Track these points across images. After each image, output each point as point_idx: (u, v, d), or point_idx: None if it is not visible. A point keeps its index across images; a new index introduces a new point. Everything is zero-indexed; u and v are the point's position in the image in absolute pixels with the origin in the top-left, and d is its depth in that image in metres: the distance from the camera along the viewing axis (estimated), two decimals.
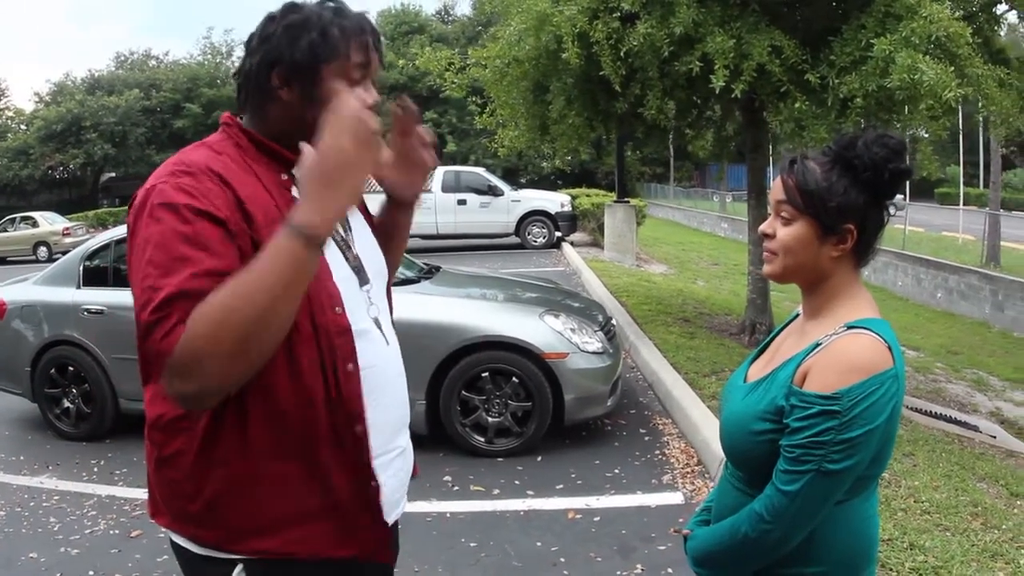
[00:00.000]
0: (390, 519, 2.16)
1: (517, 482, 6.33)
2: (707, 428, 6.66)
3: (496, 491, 6.18)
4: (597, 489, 6.15)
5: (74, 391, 7.72)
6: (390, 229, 2.41)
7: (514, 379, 6.77)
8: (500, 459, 6.78)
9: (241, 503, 1.96)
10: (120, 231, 7.99)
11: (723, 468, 2.27)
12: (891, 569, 4.34)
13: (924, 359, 13.35)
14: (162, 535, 2.18)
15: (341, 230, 2.13)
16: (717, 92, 8.42)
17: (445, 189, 24.65)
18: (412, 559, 4.94)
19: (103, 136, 55.34)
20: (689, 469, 6.42)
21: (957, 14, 7.88)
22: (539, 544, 5.28)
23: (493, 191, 24.77)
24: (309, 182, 1.75)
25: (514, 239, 24.75)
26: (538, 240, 24.47)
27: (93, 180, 61.87)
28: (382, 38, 2.11)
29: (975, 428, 8.75)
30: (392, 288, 2.42)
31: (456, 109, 50.31)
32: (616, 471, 6.49)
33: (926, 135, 9.72)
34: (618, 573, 4.88)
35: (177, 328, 1.69)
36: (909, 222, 23.90)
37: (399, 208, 2.43)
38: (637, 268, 19.51)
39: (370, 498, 2.07)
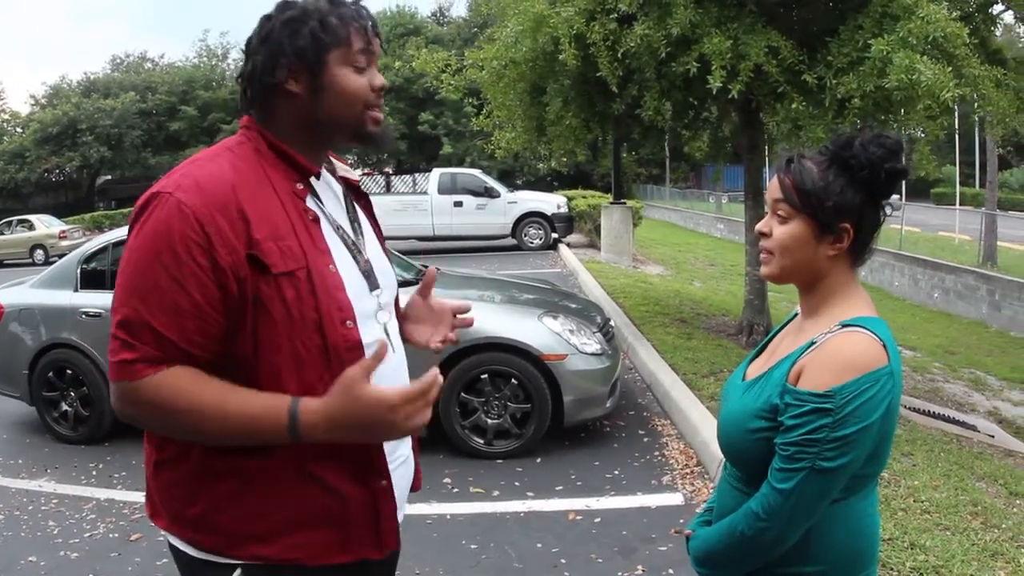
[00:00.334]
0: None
1: (517, 484, 6.33)
2: (706, 429, 6.66)
3: (496, 493, 6.18)
4: (597, 490, 6.15)
5: (72, 394, 7.70)
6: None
7: (513, 381, 6.76)
8: (499, 461, 6.78)
9: (242, 509, 1.95)
10: (117, 234, 8.01)
11: (723, 468, 2.28)
12: (892, 568, 4.34)
13: (921, 359, 13.37)
14: (161, 539, 2.18)
15: (352, 233, 2.13)
16: (714, 93, 8.43)
17: (441, 191, 24.68)
18: (413, 561, 4.94)
19: (99, 139, 55.20)
20: (689, 470, 6.42)
21: (954, 15, 7.88)
22: (540, 545, 5.28)
23: (489, 193, 24.76)
24: (342, 415, 1.82)
25: (510, 241, 24.72)
26: (534, 242, 24.47)
27: (89, 183, 61.74)
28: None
29: (973, 428, 8.76)
30: None
31: (452, 111, 50.21)
32: (616, 472, 6.49)
33: (922, 135, 9.73)
34: (619, 574, 4.88)
35: (125, 364, 1.83)
36: (905, 222, 23.89)
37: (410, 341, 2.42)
38: (634, 269, 19.51)
39: (373, 506, 2.06)
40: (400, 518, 2.17)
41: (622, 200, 21.60)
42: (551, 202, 25.39)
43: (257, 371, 1.90)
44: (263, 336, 1.89)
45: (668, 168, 59.14)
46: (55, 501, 6.41)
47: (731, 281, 19.65)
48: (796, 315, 2.22)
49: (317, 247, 1.97)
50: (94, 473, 7.00)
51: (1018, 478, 6.69)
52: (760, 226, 2.11)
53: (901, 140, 2.01)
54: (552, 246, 24.39)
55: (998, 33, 10.54)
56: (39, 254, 31.82)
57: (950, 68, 7.43)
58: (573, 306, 7.89)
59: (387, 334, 2.13)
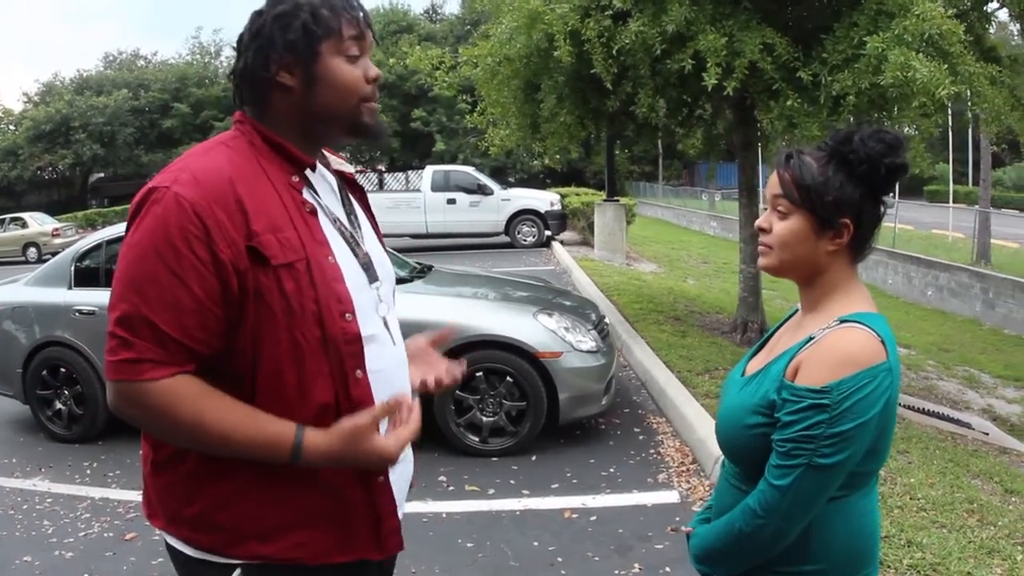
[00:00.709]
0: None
1: (512, 482, 6.32)
2: (701, 426, 6.66)
3: (491, 491, 6.17)
4: (593, 488, 6.15)
5: (66, 392, 7.67)
6: None
7: (508, 378, 6.75)
8: (495, 459, 6.77)
9: (241, 508, 1.94)
10: (110, 231, 7.99)
11: (721, 467, 2.27)
12: (889, 566, 4.34)
13: (916, 357, 13.39)
14: (156, 538, 2.17)
15: (349, 226, 2.11)
16: (709, 90, 8.42)
17: (435, 188, 24.68)
18: (409, 560, 4.92)
19: (92, 136, 55.16)
20: (684, 468, 6.41)
21: (950, 12, 7.88)
22: (536, 544, 5.27)
23: (483, 190, 24.76)
24: (342, 457, 1.90)
25: (504, 238, 24.72)
26: (528, 239, 24.48)
27: (82, 181, 61.71)
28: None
29: (968, 425, 8.79)
30: None
31: (445, 108, 50.24)
32: (611, 470, 6.49)
33: (915, 133, 9.73)
34: (616, 572, 4.87)
35: (125, 363, 1.82)
36: (899, 220, 23.93)
37: None
38: (627, 267, 19.52)
39: (374, 504, 2.05)
40: (399, 516, 2.16)
41: (615, 197, 21.62)
42: (544, 199, 25.39)
43: (257, 364, 1.89)
44: (263, 329, 1.87)
45: (661, 165, 59.24)
46: (49, 500, 6.39)
47: (724, 279, 19.68)
48: (797, 311, 2.22)
49: (315, 239, 1.96)
50: (88, 472, 6.97)
51: (1013, 475, 6.71)
52: (760, 222, 2.10)
53: (901, 136, 2.00)
54: (545, 244, 24.41)
55: (992, 31, 10.54)
56: (32, 252, 31.74)
57: (945, 65, 7.44)
58: (568, 303, 7.88)
59: (387, 327, 2.12)
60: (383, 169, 31.73)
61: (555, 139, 10.96)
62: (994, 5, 9.74)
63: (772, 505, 1.92)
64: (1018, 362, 13.93)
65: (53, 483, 6.75)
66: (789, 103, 8.31)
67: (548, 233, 24.64)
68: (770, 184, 2.07)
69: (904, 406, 8.75)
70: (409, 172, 26.53)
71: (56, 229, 33.10)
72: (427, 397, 2.38)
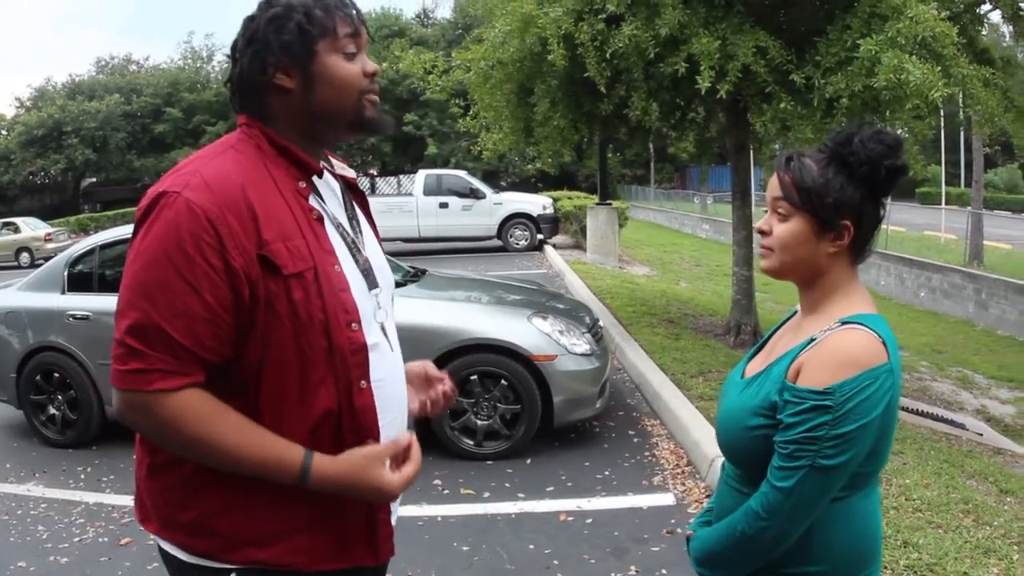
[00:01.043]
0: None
1: (507, 485, 6.31)
2: (696, 429, 6.67)
3: (487, 494, 6.17)
4: (588, 491, 6.14)
5: (60, 397, 7.65)
6: None
7: (503, 382, 6.75)
8: (489, 462, 6.76)
9: (239, 514, 1.92)
10: (104, 236, 7.97)
11: (722, 469, 2.27)
12: (886, 567, 4.34)
13: (909, 358, 13.42)
14: (151, 543, 2.16)
15: (351, 231, 2.10)
16: (702, 93, 8.43)
17: (427, 192, 24.65)
18: (405, 564, 4.92)
19: (84, 141, 54.99)
20: (680, 470, 6.41)
21: (943, 14, 7.89)
22: (532, 547, 5.27)
23: (475, 194, 24.75)
24: (345, 486, 1.92)
25: (496, 242, 24.69)
26: (520, 243, 24.46)
27: (74, 185, 61.52)
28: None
29: (962, 426, 8.81)
30: None
31: (437, 111, 50.21)
32: (606, 473, 6.48)
33: (908, 135, 9.75)
34: (612, 575, 4.87)
35: (135, 373, 1.80)
36: (891, 222, 23.96)
37: None
38: (620, 270, 19.52)
39: (370, 512, 2.05)
40: (394, 519, 2.16)
41: (608, 201, 21.63)
42: (537, 203, 25.37)
43: (261, 371, 1.88)
44: (271, 337, 1.86)
45: (653, 169, 59.29)
46: (44, 505, 6.36)
47: (717, 281, 19.70)
48: (796, 312, 2.22)
49: (323, 247, 1.95)
50: (83, 477, 6.95)
51: (1008, 475, 6.73)
52: (760, 224, 2.10)
53: (901, 137, 2.00)
54: (538, 247, 24.38)
55: (984, 33, 10.57)
56: (25, 257, 31.73)
57: (939, 68, 7.44)
58: (562, 307, 7.88)
59: (385, 334, 2.10)
60: (375, 173, 31.73)
61: (548, 143, 10.97)
62: (987, 7, 9.77)
63: (775, 507, 1.92)
64: (1011, 363, 13.98)
65: (47, 488, 6.72)
66: (782, 106, 8.32)
67: (540, 237, 24.60)
68: (770, 186, 2.07)
69: (899, 407, 8.77)
70: (401, 176, 26.55)
71: (48, 234, 33.10)
72: None
